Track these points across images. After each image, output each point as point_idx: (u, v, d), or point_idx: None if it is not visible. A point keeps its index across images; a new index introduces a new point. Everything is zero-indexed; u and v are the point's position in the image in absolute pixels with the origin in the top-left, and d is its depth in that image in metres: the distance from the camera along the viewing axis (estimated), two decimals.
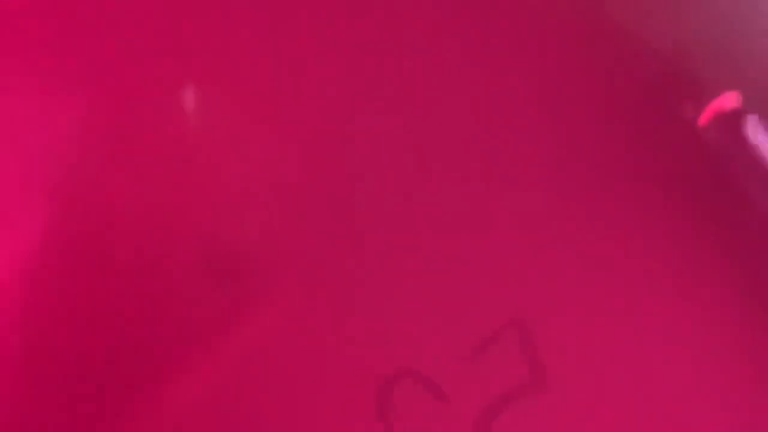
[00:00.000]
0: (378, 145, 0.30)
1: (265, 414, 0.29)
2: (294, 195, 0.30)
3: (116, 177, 0.30)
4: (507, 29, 0.31)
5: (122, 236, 0.30)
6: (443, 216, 0.30)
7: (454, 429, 0.29)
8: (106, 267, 0.30)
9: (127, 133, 0.30)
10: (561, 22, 0.31)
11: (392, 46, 0.31)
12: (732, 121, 0.30)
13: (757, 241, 0.30)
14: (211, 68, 0.31)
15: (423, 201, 0.30)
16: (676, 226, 0.30)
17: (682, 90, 0.31)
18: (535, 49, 0.31)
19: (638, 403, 0.29)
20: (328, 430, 0.29)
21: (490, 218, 0.30)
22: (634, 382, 0.29)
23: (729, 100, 0.30)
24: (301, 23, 0.31)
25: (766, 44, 0.31)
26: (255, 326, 0.30)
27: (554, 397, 0.29)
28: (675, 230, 0.30)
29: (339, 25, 0.31)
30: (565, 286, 0.30)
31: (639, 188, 0.30)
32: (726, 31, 0.31)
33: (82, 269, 0.30)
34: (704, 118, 0.30)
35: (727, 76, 0.31)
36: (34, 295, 0.29)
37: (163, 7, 0.31)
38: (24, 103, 0.30)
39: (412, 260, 0.30)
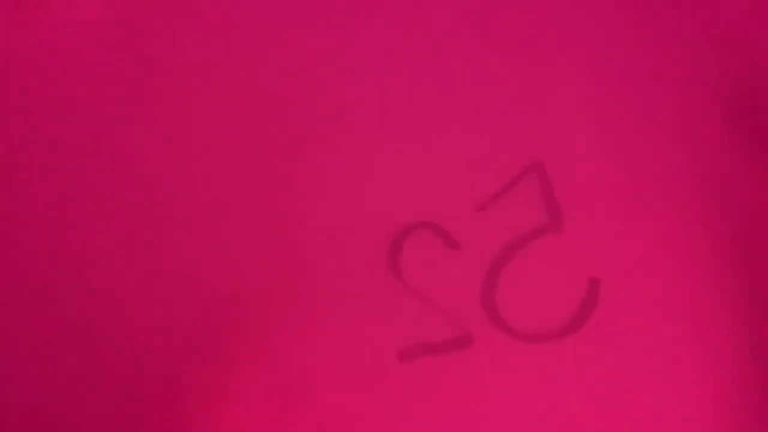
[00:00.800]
0: None
1: (276, 272, 0.29)
2: None
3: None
4: None
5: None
6: (458, 63, 0.30)
7: (467, 275, 0.29)
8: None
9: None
10: None
11: None
12: None
13: None
14: None
15: (438, 45, 0.30)
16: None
17: None
18: None
19: (657, 242, 0.29)
20: (340, 286, 0.29)
21: (505, 61, 0.30)
22: (651, 221, 0.29)
23: None
24: None
25: None
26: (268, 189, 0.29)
27: (567, 239, 0.29)
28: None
29: None
30: (583, 128, 0.30)
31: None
32: None
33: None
34: None
35: None
36: None
37: None
38: None
39: (427, 106, 0.30)
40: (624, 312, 0.28)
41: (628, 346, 0.28)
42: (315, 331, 0.28)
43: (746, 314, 0.28)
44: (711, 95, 0.30)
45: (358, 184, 0.29)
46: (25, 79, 0.30)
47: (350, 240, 0.29)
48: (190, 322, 0.28)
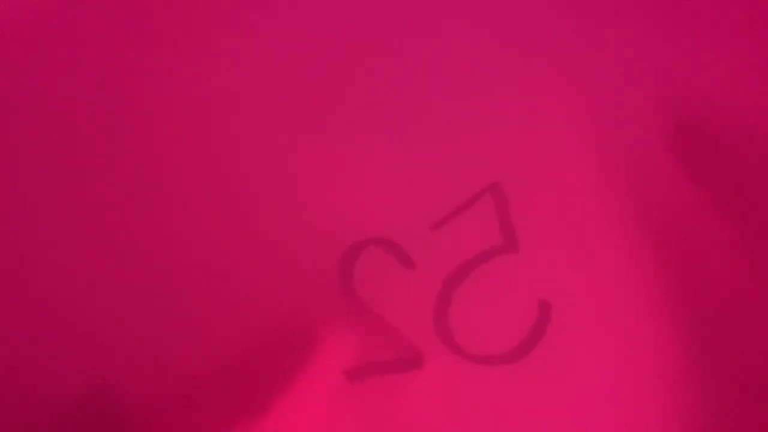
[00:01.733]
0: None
1: (226, 287, 0.29)
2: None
3: None
4: None
5: None
6: (418, 84, 0.30)
7: (420, 294, 0.29)
8: None
9: None
10: None
11: None
12: None
13: None
14: None
15: (397, 64, 0.30)
16: None
17: None
18: None
19: (608, 267, 0.29)
20: (292, 302, 0.29)
21: (465, 84, 0.30)
22: (602, 247, 0.29)
23: None
24: None
25: None
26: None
27: (520, 261, 0.29)
28: None
29: None
30: (539, 152, 0.30)
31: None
32: None
33: None
34: None
35: None
36: None
37: None
38: None
39: (384, 125, 0.30)
40: (574, 335, 0.29)
41: (578, 369, 0.28)
42: (265, 346, 0.29)
43: (694, 335, 0.29)
44: (660, 127, 0.30)
45: (314, 200, 0.29)
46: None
47: (303, 256, 0.29)
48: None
